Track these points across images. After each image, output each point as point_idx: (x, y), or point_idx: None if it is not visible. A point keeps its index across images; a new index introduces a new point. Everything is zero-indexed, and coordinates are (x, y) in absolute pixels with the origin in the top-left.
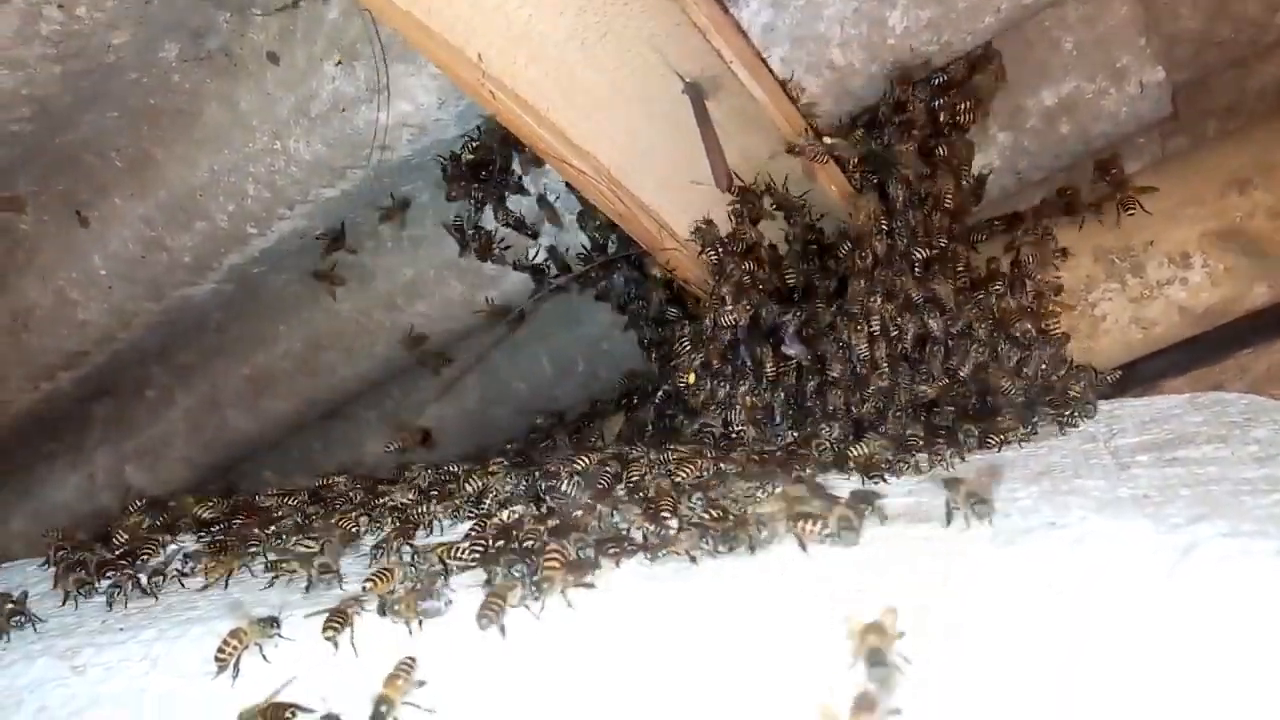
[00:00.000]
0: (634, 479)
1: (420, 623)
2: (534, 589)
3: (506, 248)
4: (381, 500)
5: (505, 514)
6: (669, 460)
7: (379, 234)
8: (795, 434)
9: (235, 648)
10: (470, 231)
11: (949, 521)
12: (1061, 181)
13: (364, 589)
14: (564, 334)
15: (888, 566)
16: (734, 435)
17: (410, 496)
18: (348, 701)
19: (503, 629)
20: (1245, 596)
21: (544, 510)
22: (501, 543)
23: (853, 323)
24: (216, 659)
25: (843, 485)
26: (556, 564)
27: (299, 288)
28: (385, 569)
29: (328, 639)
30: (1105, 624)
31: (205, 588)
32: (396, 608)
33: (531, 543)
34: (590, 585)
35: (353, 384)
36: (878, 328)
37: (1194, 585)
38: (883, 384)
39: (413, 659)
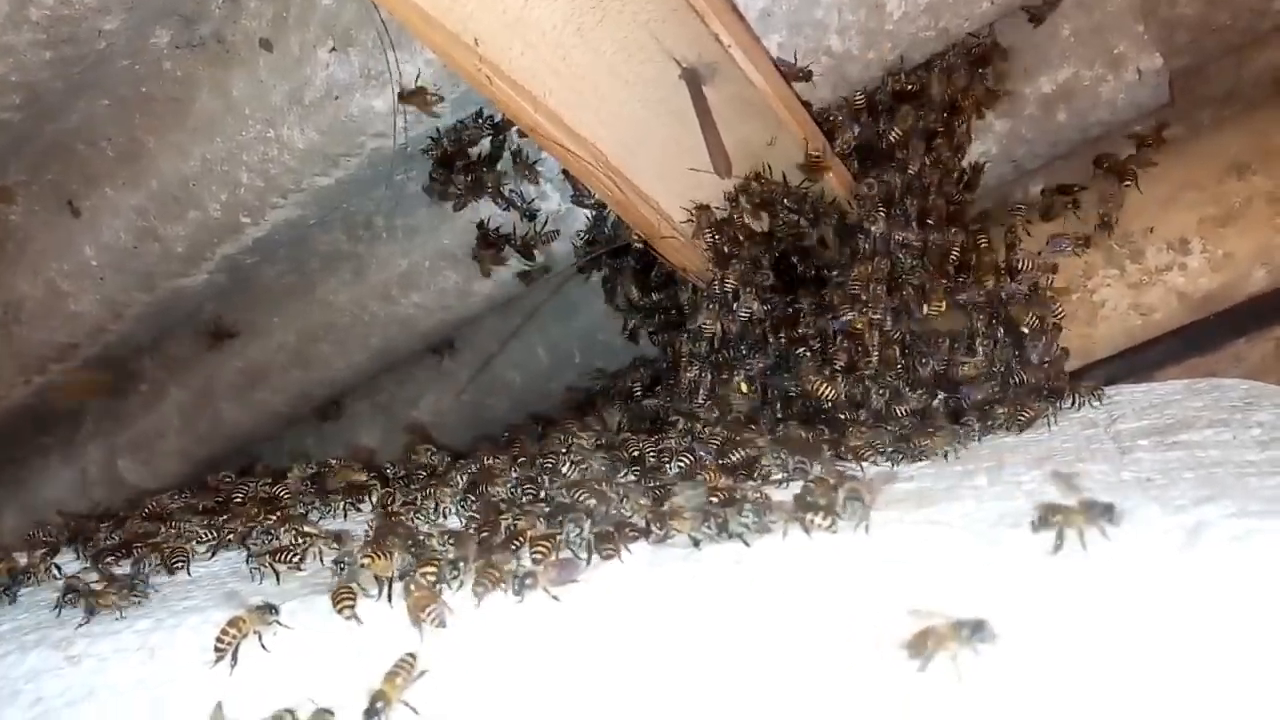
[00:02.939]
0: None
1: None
2: (519, 583)
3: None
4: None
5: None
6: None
7: (373, 224)
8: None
9: (234, 636)
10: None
11: (1057, 550)
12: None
13: (361, 564)
14: (560, 325)
15: (894, 552)
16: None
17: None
18: (343, 694)
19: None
20: (1257, 575)
21: (541, 496)
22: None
23: (852, 310)
24: (215, 648)
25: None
26: (542, 554)
27: (292, 279)
28: (381, 545)
29: (347, 617)
30: (1117, 604)
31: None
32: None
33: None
34: (575, 581)
35: (346, 376)
36: (880, 315)
37: (1205, 565)
38: (868, 372)
39: (414, 655)
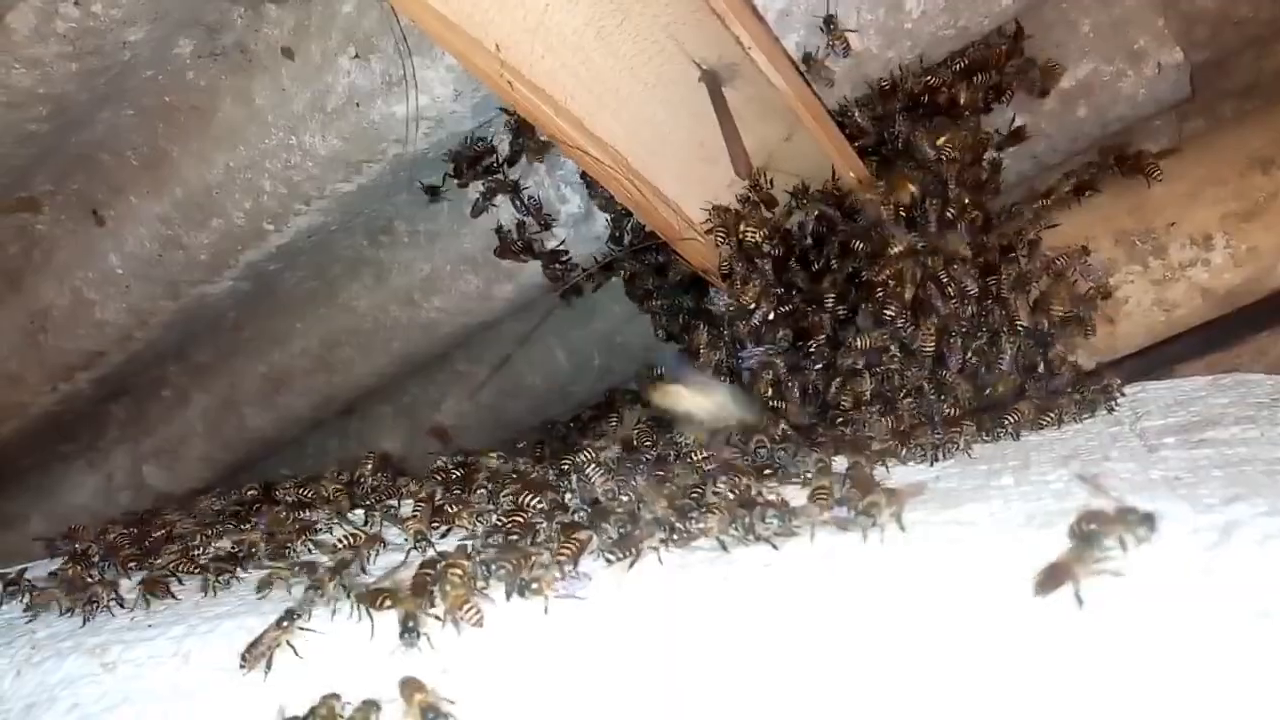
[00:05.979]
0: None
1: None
2: (520, 585)
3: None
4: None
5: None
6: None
7: (394, 229)
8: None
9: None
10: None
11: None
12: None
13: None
14: (579, 328)
15: (922, 553)
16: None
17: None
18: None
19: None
20: None
21: (563, 504)
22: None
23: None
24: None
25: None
26: (567, 554)
27: (315, 284)
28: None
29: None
30: (1148, 605)
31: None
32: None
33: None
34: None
35: (369, 380)
36: (894, 313)
37: (1237, 565)
38: (894, 365)
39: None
